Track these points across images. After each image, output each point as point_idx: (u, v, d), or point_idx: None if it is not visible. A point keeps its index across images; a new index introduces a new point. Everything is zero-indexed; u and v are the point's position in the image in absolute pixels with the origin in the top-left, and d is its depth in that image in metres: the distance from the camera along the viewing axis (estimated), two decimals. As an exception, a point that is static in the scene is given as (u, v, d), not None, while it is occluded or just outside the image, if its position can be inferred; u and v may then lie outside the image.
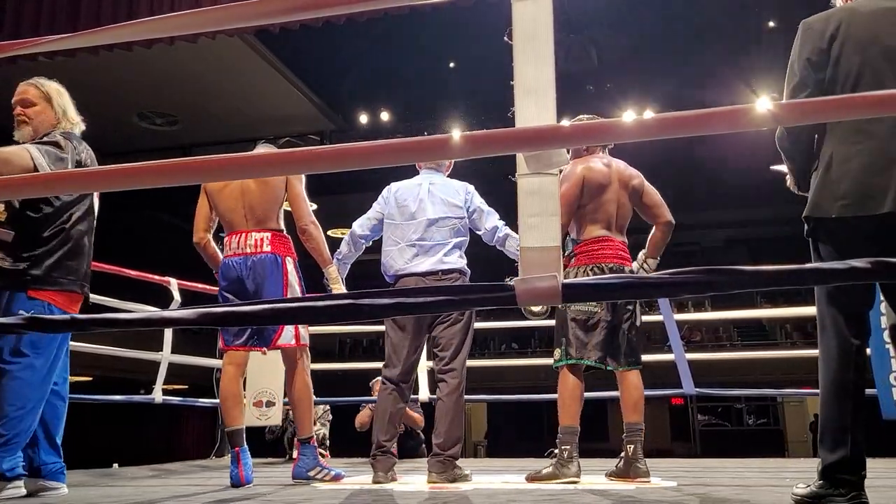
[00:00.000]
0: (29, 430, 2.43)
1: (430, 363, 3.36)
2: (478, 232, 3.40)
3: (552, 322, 3.29)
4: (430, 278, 3.21)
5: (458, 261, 3.28)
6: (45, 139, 2.53)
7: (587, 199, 3.15)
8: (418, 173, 3.47)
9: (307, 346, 3.29)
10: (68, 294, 2.55)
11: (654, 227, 3.31)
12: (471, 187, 3.43)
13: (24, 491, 2.43)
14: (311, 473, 3.15)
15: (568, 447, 2.98)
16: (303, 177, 3.30)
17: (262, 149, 3.34)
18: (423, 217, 3.29)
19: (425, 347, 3.43)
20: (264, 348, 3.29)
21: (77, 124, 2.74)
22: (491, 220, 3.36)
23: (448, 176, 3.50)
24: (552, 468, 3.00)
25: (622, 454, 3.08)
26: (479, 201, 3.39)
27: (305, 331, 3.28)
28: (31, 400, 2.42)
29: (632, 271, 3.18)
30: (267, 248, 3.13)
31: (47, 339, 2.45)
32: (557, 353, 3.13)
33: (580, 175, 3.14)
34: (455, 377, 3.18)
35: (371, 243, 3.53)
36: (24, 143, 2.54)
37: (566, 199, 3.05)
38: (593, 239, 3.15)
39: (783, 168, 2.24)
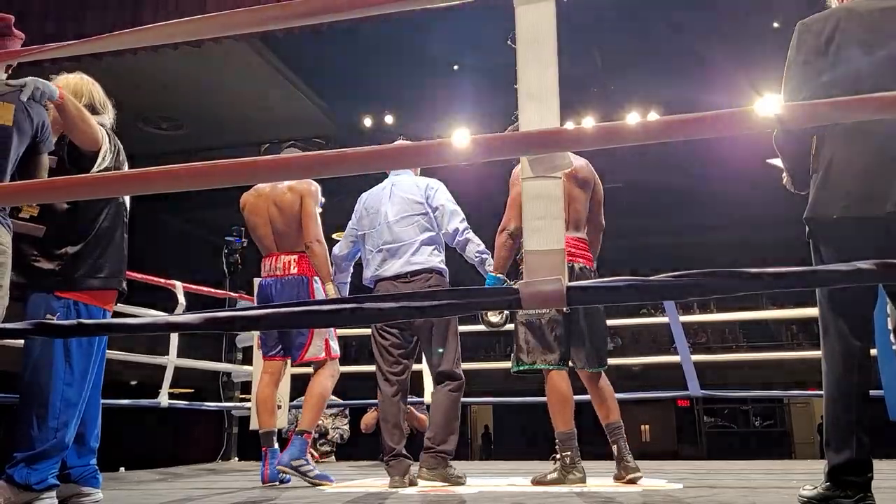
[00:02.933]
0: (67, 443, 2.32)
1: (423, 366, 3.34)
2: (440, 232, 3.26)
3: None
4: (400, 281, 3.14)
5: (428, 259, 3.17)
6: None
7: None
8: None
9: (338, 356, 3.44)
10: (101, 292, 2.46)
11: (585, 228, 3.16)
12: (436, 183, 3.30)
13: (56, 502, 2.30)
14: (295, 464, 3.16)
15: (569, 453, 2.97)
16: (318, 197, 3.40)
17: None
18: (385, 220, 3.24)
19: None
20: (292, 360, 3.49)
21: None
22: (453, 222, 3.21)
23: (421, 173, 3.42)
24: (557, 474, 2.98)
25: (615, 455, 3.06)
26: (443, 198, 3.25)
27: (335, 343, 3.44)
28: (73, 408, 2.32)
29: (583, 268, 3.05)
30: (294, 270, 3.34)
31: (86, 345, 2.38)
32: (513, 359, 3.12)
33: None
34: (448, 381, 3.13)
35: (356, 260, 3.50)
36: None
37: (516, 203, 2.93)
38: None
39: (779, 162, 2.22)
